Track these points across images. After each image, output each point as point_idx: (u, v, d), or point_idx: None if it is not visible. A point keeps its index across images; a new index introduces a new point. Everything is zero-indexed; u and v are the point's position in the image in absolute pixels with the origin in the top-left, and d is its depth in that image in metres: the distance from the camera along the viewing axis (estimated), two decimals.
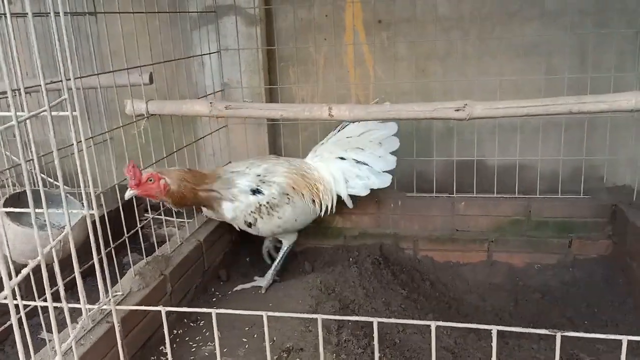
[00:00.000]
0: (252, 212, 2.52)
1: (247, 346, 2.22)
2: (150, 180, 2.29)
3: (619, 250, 2.76)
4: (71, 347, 1.53)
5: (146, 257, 2.39)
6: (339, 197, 2.75)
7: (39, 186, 2.39)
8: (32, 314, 2.34)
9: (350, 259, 2.88)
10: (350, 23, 3.16)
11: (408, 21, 3.06)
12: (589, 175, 2.91)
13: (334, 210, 2.74)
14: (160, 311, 2.33)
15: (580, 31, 2.82)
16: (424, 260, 2.96)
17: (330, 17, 3.14)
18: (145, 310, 2.20)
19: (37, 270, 1.21)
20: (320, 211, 2.71)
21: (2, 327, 1.95)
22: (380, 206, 3.01)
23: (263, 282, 2.65)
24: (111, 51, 2.19)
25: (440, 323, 1.19)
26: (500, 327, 1.14)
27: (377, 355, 1.11)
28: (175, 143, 2.64)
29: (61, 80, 1.01)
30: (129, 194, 2.26)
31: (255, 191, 2.52)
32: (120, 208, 2.28)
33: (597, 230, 2.81)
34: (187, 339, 2.31)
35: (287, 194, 2.57)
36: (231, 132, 3.29)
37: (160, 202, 2.59)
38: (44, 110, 0.94)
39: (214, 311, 1.24)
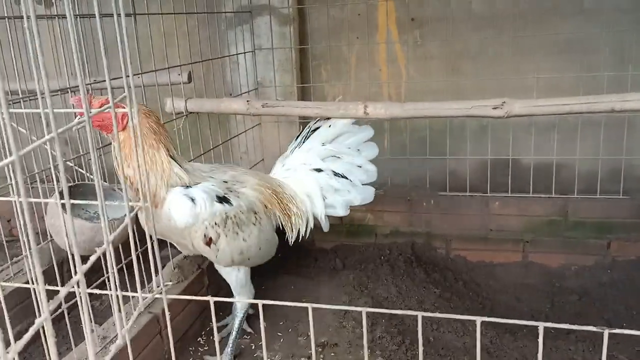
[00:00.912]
0: (216, 223, 1.90)
1: (282, 340, 2.25)
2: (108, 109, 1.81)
3: None
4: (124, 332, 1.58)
5: None
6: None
7: (80, 181, 2.48)
8: (74, 305, 2.42)
9: (382, 257, 2.88)
10: (383, 21, 3.16)
11: (441, 19, 3.05)
12: (629, 175, 2.85)
13: (307, 235, 2.24)
14: (197, 305, 2.40)
15: (618, 28, 2.76)
16: (456, 259, 2.94)
17: (363, 16, 3.15)
18: (183, 304, 2.26)
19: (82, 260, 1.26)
20: (293, 239, 2.22)
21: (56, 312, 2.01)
22: (413, 205, 3.01)
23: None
24: (148, 52, 2.25)
25: (486, 319, 1.19)
26: (547, 324, 1.13)
27: (420, 349, 1.12)
28: (210, 141, 2.69)
29: (122, 77, 1.05)
30: (76, 121, 1.62)
31: (222, 199, 1.94)
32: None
33: (636, 231, 2.75)
34: (219, 332, 2.36)
35: (255, 212, 2.02)
36: (264, 130, 3.33)
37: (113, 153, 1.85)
38: (108, 107, 0.98)
39: (260, 302, 1.26)
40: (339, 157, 2.29)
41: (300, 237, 2.23)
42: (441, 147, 3.06)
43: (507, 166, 2.94)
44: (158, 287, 1.49)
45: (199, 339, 2.30)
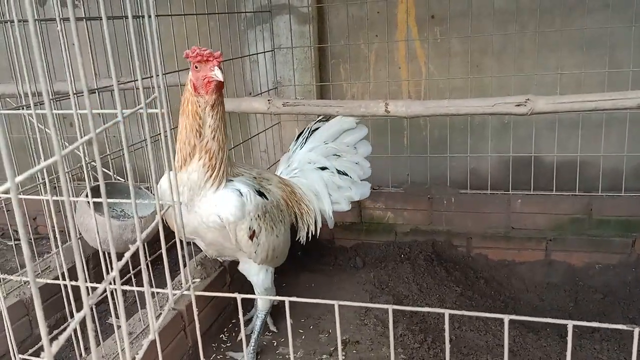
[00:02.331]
0: (258, 216, 1.88)
1: (303, 337, 2.27)
2: (196, 68, 1.75)
3: None
4: (147, 330, 1.61)
5: None
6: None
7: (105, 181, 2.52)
8: (99, 302, 2.47)
9: (402, 255, 2.88)
10: (402, 19, 3.15)
11: (462, 16, 3.03)
12: None
13: (317, 234, 2.27)
14: (219, 302, 2.42)
15: None
16: (477, 258, 2.92)
17: (383, 14, 3.14)
18: (205, 301, 2.29)
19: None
20: (304, 239, 2.25)
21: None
22: (433, 203, 3.00)
23: (240, 357, 2.14)
24: (168, 52, 2.28)
25: (513, 317, 1.19)
26: (576, 322, 1.12)
27: (447, 346, 1.12)
28: (231, 140, 2.71)
29: (152, 77, 1.07)
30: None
31: (260, 193, 1.93)
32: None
33: None
34: (245, 327, 2.38)
35: (281, 210, 2.05)
36: (283, 128, 3.34)
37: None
38: (140, 108, 1.00)
39: (287, 299, 1.27)
40: (339, 156, 2.34)
41: (310, 236, 2.25)
42: (462, 145, 3.04)
43: (529, 164, 2.91)
44: (186, 283, 1.52)
45: (221, 336, 2.33)
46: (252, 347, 2.11)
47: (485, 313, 1.28)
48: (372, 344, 2.13)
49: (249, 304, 2.48)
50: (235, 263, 2.51)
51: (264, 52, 3.18)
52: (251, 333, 2.17)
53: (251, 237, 1.88)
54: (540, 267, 2.79)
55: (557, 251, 2.79)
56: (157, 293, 1.95)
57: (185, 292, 1.29)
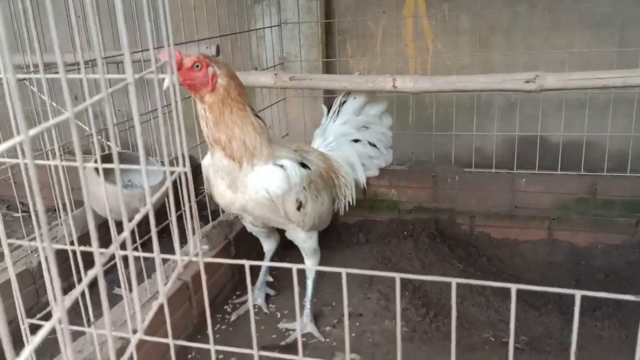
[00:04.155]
0: (304, 187, 1.93)
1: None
2: (197, 67, 1.67)
3: None
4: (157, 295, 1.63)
5: (212, 222, 2.49)
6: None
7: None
8: (107, 271, 2.50)
9: (405, 232, 2.89)
10: None
11: None
12: None
13: (353, 204, 2.34)
14: (224, 273, 2.44)
15: None
16: (480, 236, 2.93)
17: None
18: (211, 272, 2.31)
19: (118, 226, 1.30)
20: (343, 209, 2.31)
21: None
22: (437, 181, 3.00)
23: (297, 326, 2.10)
24: (175, 25, 2.25)
25: (521, 286, 1.20)
26: (585, 292, 1.13)
27: (454, 315, 1.13)
28: None
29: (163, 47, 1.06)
30: (167, 82, 1.56)
31: (303, 165, 1.97)
32: (190, 177, 2.38)
33: None
34: (246, 300, 2.41)
35: (324, 179, 2.12)
36: (289, 105, 3.33)
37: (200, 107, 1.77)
38: (151, 71, 1.00)
39: (294, 266, 1.28)
40: (368, 127, 2.43)
41: (348, 206, 2.33)
42: (467, 124, 3.03)
43: (534, 143, 2.90)
44: (195, 249, 1.54)
45: (225, 307, 2.36)
46: (308, 310, 2.17)
47: (492, 282, 1.29)
48: (375, 317, 2.16)
49: (254, 279, 2.50)
50: (239, 237, 2.53)
51: (271, 27, 3.15)
52: (305, 297, 2.21)
53: (298, 208, 1.95)
54: (543, 246, 2.80)
55: (561, 230, 2.80)
56: (165, 263, 1.97)
57: (194, 259, 1.30)
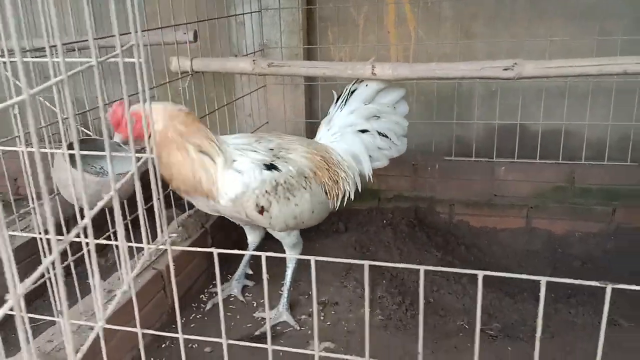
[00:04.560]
0: (267, 191, 1.90)
1: None
2: (133, 121, 1.71)
3: None
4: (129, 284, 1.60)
5: (188, 210, 2.46)
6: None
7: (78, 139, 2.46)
8: (81, 262, 2.46)
9: (385, 221, 2.89)
10: None
11: None
12: (638, 141, 2.81)
13: (352, 198, 2.28)
14: (200, 262, 2.42)
15: None
16: (459, 224, 2.94)
17: None
18: (187, 261, 2.29)
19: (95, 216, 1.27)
20: (337, 204, 2.22)
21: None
22: (417, 169, 2.99)
23: (273, 314, 2.15)
24: (153, 11, 2.22)
25: (488, 273, 1.19)
26: (550, 279, 1.13)
27: (421, 302, 1.12)
28: (214, 103, 2.67)
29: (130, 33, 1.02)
30: (115, 138, 1.80)
31: (270, 166, 1.94)
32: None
33: None
34: (223, 289, 2.39)
35: (306, 177, 2.03)
36: (269, 93, 3.29)
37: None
38: (116, 54, 0.96)
39: (263, 254, 1.27)
40: (379, 117, 2.30)
41: (347, 201, 2.25)
42: (448, 112, 3.02)
43: (514, 132, 2.90)
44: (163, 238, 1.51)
45: (201, 296, 2.34)
46: (285, 300, 2.16)
47: (459, 269, 1.29)
48: (351, 305, 2.15)
49: (231, 269, 2.48)
50: (216, 226, 2.51)
51: (250, 13, 3.10)
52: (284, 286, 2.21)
53: (261, 212, 1.93)
54: (521, 234, 2.82)
55: (539, 219, 2.82)
56: (138, 252, 1.94)
57: (162, 247, 1.28)
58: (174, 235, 2.21)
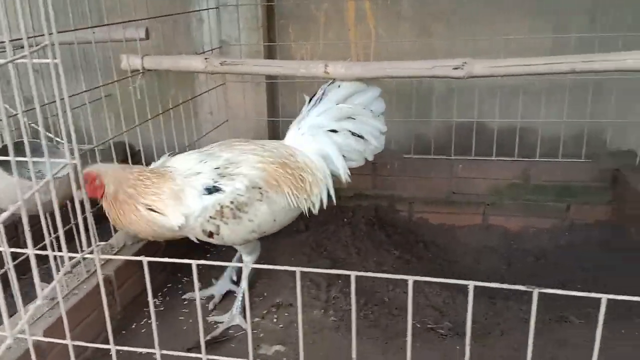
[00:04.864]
0: (211, 217, 1.89)
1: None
2: (87, 181, 1.84)
3: (618, 216, 2.73)
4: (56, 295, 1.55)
5: None
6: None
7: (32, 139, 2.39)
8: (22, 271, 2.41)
9: (345, 220, 2.88)
10: None
11: None
12: (593, 139, 2.86)
13: (326, 202, 2.22)
14: (155, 265, 2.37)
15: None
16: (419, 222, 2.95)
17: None
18: (137, 264, 2.24)
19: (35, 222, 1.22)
20: (313, 206, 2.17)
21: None
22: (377, 167, 2.99)
23: (226, 318, 2.12)
24: (112, 6, 2.16)
25: (418, 278, 1.19)
26: (477, 283, 1.13)
27: (353, 306, 1.11)
28: (172, 101, 2.63)
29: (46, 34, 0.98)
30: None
31: (212, 189, 1.91)
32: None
33: (596, 195, 2.78)
34: (180, 292, 2.36)
35: (260, 188, 1.97)
36: (229, 91, 3.25)
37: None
38: (23, 56, 0.92)
39: (194, 262, 1.24)
40: (353, 117, 2.21)
41: (323, 205, 2.19)
42: (408, 110, 3.02)
43: (472, 129, 2.92)
44: (90, 247, 1.46)
45: (154, 300, 2.29)
46: (238, 303, 2.14)
47: (393, 275, 1.28)
48: (305, 307, 2.14)
49: (191, 272, 2.44)
50: None
51: (207, 9, 3.05)
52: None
53: (210, 236, 1.94)
54: (478, 231, 2.85)
55: (495, 215, 2.85)
56: (70, 259, 1.88)
57: (89, 256, 1.24)
58: (102, 243, 2.17)
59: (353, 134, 2.21)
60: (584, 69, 1.98)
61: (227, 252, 2.64)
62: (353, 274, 1.16)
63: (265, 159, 2.05)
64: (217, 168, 1.96)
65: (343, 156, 2.22)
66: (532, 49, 2.82)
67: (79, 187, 1.23)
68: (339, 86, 2.20)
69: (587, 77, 2.72)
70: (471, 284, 1.15)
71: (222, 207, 1.90)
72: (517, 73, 2.07)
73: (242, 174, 1.96)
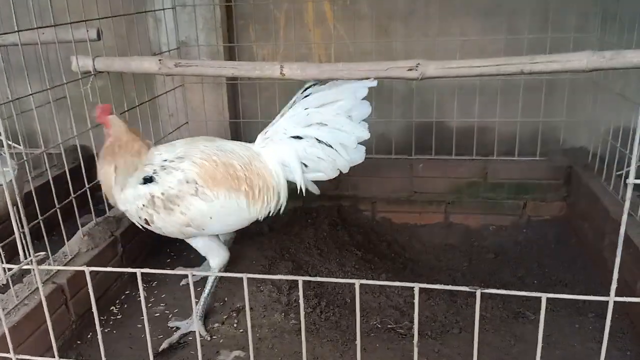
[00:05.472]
0: (144, 205, 1.96)
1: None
2: (105, 110, 2.05)
3: (572, 212, 2.81)
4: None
5: (96, 218, 2.35)
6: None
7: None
8: None
9: (309, 221, 2.88)
10: None
11: None
12: (547, 137, 2.93)
13: (280, 210, 2.20)
14: (111, 273, 2.32)
15: None
16: (381, 221, 2.97)
17: None
18: (92, 273, 2.18)
19: None
20: (264, 212, 2.13)
21: None
22: None
23: (185, 324, 2.10)
24: (62, 7, 2.10)
25: (364, 281, 1.19)
26: (422, 285, 1.15)
27: (302, 314, 1.11)
28: (130, 103, 2.57)
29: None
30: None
31: (148, 180, 1.97)
32: (67, 169, 2.21)
33: (551, 192, 2.85)
34: (138, 299, 2.31)
35: (196, 183, 1.97)
36: (189, 92, 3.20)
37: None
38: None
39: (138, 271, 1.21)
40: (325, 124, 2.08)
41: (272, 211, 2.15)
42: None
43: (431, 129, 2.96)
44: (28, 258, 1.41)
45: (112, 308, 2.24)
46: (200, 307, 2.10)
47: (338, 279, 1.29)
48: (266, 311, 2.12)
49: (155, 277, 2.39)
50: (128, 233, 2.41)
51: (163, 10, 2.99)
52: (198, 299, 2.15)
53: (147, 223, 2.02)
54: (439, 229, 2.89)
55: (456, 214, 2.89)
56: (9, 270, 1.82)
57: (27, 267, 1.19)
58: (42, 254, 2.10)
59: (320, 141, 2.08)
60: (532, 70, 2.02)
61: (192, 258, 2.61)
62: (245, 276, 1.16)
63: (210, 157, 2.03)
64: (165, 160, 2.03)
65: (305, 165, 2.11)
66: (487, 49, 2.88)
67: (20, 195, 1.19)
68: (312, 92, 2.10)
69: (540, 77, 2.79)
70: (416, 286, 1.17)
71: (152, 196, 1.96)
72: (468, 74, 2.10)
73: (180, 169, 1.99)
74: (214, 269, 2.12)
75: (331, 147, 2.09)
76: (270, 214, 2.16)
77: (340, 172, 2.17)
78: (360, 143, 2.15)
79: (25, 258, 1.17)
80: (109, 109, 2.04)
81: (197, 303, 2.11)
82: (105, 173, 2.03)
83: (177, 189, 1.96)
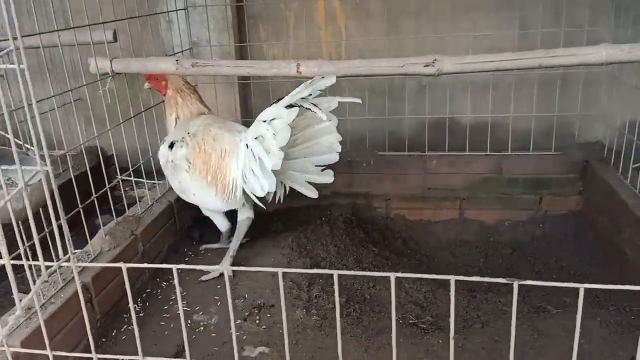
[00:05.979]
0: (165, 163, 2.46)
1: (219, 303, 2.24)
2: (157, 79, 2.49)
3: (588, 206, 2.81)
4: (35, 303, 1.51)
5: (117, 218, 2.37)
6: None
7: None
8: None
9: (323, 218, 2.88)
10: None
11: None
12: (561, 132, 2.93)
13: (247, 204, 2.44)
14: (133, 270, 2.33)
15: None
16: (396, 218, 2.98)
17: None
18: (115, 271, 2.20)
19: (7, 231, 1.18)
20: (230, 202, 2.37)
21: None
22: (352, 165, 3.00)
23: (222, 265, 2.34)
24: (75, 9, 2.12)
25: (400, 274, 1.20)
26: (458, 277, 1.15)
27: (337, 305, 1.12)
28: (143, 103, 2.59)
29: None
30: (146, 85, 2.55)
31: (171, 145, 2.42)
32: (88, 170, 2.23)
33: (567, 187, 2.85)
34: (160, 297, 2.32)
35: (189, 161, 2.37)
36: (202, 92, 3.20)
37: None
38: None
39: (174, 267, 1.22)
40: (263, 138, 2.16)
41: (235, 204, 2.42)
42: (381, 108, 3.05)
43: (444, 125, 2.96)
44: (66, 254, 1.42)
45: (134, 306, 2.25)
46: (230, 254, 2.41)
47: (374, 272, 1.29)
48: (287, 307, 2.13)
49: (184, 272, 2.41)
50: (147, 232, 2.43)
51: (176, 10, 3.00)
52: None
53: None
54: (454, 225, 2.89)
55: (470, 209, 2.89)
56: (47, 268, 1.83)
57: (66, 264, 1.21)
58: (78, 251, 2.12)
59: (254, 155, 2.18)
60: (550, 64, 2.03)
61: (209, 257, 2.62)
62: (280, 270, 1.16)
63: (201, 142, 2.37)
64: (189, 133, 2.41)
65: (244, 176, 2.27)
66: (499, 44, 2.88)
67: (52, 195, 1.20)
68: (276, 102, 2.15)
69: (554, 72, 2.79)
70: (452, 279, 1.17)
71: (166, 160, 2.45)
72: (486, 69, 2.10)
73: (187, 145, 2.39)
74: (242, 220, 2.50)
75: (261, 159, 2.15)
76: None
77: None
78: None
79: (63, 255, 1.18)
80: (162, 76, 2.45)
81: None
82: (170, 115, 2.52)
83: (179, 162, 2.39)
